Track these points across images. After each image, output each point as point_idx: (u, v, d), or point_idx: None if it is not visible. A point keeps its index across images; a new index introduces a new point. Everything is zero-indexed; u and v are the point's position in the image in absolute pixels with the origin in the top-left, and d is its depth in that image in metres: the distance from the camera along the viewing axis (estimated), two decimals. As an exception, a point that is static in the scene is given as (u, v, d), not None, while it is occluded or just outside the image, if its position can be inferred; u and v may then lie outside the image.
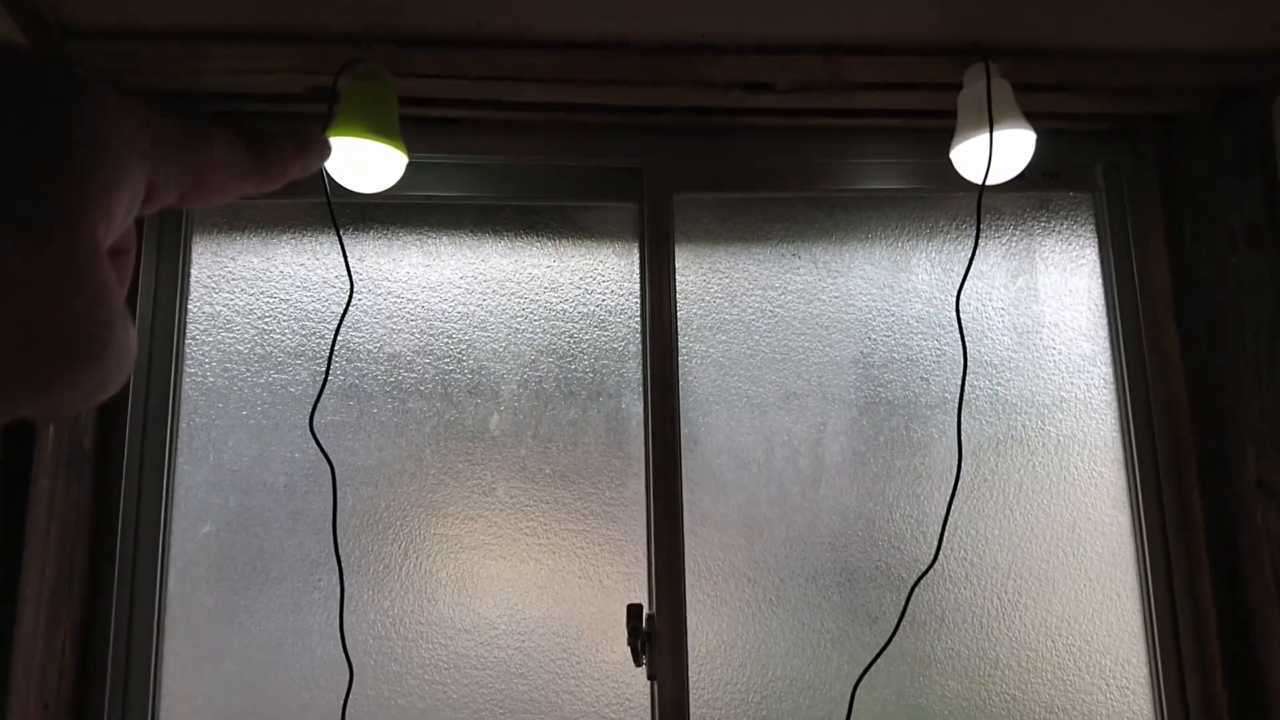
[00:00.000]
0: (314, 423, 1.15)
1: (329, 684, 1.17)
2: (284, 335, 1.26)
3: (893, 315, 1.33)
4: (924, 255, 1.35)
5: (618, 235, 1.32)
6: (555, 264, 1.31)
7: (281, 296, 1.27)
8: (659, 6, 1.06)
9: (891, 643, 1.12)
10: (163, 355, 1.23)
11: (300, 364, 1.25)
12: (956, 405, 1.16)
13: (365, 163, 1.07)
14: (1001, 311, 1.34)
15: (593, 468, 1.25)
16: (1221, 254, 1.23)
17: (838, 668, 1.22)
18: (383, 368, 1.26)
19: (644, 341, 1.27)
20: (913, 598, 1.15)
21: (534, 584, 1.22)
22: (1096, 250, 1.37)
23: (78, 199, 0.21)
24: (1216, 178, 1.24)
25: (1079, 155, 1.36)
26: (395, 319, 1.27)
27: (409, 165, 1.09)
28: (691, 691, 1.17)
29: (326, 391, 1.22)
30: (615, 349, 1.29)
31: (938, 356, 1.32)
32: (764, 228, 1.34)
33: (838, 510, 1.26)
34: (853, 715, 1.12)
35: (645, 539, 1.23)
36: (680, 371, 1.26)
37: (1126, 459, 1.30)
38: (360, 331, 1.26)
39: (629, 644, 1.13)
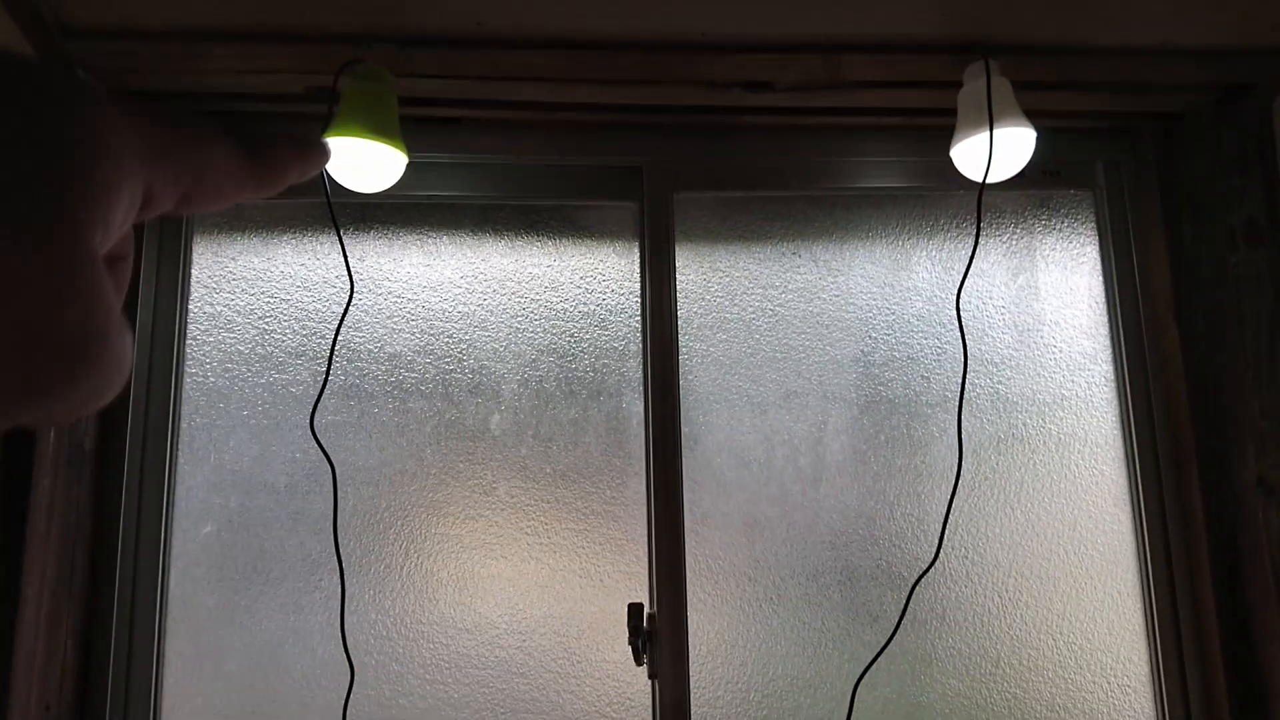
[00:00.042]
0: (315, 423, 1.15)
1: (330, 684, 1.17)
2: (285, 335, 1.26)
3: (893, 313, 1.32)
4: (924, 253, 1.35)
5: (618, 234, 1.32)
6: (555, 263, 1.31)
7: (282, 296, 1.27)
8: (659, 6, 1.06)
9: (892, 641, 1.12)
10: (163, 355, 1.23)
11: (301, 364, 1.25)
12: (957, 403, 1.16)
13: (365, 163, 1.07)
14: (1002, 309, 1.34)
15: (593, 467, 1.25)
16: (1221, 252, 1.23)
17: (839, 666, 1.22)
18: (383, 367, 1.26)
19: (644, 341, 1.27)
20: (914, 596, 1.16)
21: (535, 583, 1.22)
22: (1097, 248, 1.37)
23: (78, 199, 0.21)
24: (1216, 176, 1.24)
25: (1079, 153, 1.36)
26: (396, 319, 1.27)
27: (409, 165, 1.09)
28: (692, 690, 1.17)
29: (327, 391, 1.22)
30: (616, 348, 1.29)
31: (938, 355, 1.32)
32: (764, 226, 1.34)
33: (838, 509, 1.26)
34: (854, 714, 1.12)
35: (646, 538, 1.23)
36: (681, 370, 1.26)
37: (1127, 457, 1.30)
38: (361, 331, 1.26)
39: (630, 643, 1.13)
